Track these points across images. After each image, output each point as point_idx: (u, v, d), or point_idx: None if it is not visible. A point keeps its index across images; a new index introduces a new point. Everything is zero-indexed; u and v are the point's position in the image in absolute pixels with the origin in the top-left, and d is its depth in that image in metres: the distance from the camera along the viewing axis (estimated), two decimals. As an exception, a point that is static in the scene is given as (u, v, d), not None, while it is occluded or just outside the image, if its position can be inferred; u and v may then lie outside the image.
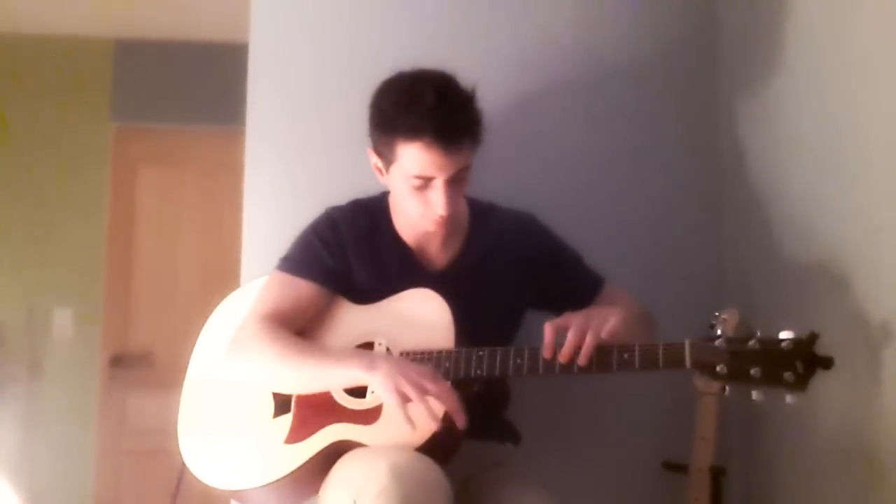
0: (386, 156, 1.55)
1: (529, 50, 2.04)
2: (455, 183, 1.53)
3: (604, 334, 1.40)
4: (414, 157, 1.49)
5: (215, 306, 1.77)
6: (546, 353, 1.42)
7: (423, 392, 1.38)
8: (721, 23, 2.08)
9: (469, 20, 2.05)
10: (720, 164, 2.05)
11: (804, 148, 1.70)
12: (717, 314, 1.66)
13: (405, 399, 1.38)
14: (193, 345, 1.72)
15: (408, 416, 1.39)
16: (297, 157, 2.00)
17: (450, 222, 1.58)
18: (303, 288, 1.61)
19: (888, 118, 1.42)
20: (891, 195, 1.41)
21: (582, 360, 1.39)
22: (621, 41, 2.06)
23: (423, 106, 1.48)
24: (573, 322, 1.42)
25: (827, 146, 1.62)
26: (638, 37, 2.07)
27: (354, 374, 1.46)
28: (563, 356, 1.40)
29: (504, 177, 1.90)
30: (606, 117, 2.05)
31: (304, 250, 1.65)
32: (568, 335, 1.41)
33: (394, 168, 1.55)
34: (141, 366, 3.46)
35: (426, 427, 1.40)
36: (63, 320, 3.48)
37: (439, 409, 1.38)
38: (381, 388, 1.42)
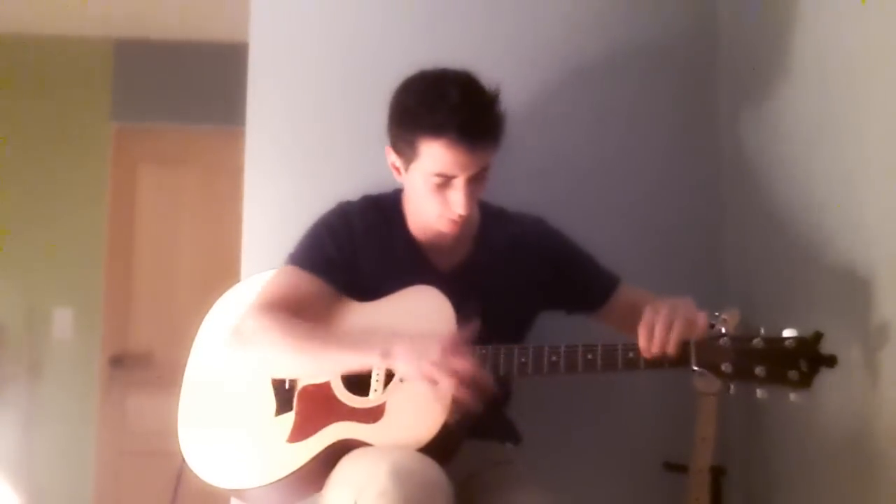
0: (406, 153, 1.53)
1: (529, 49, 2.04)
2: (474, 182, 1.52)
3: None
4: (436, 155, 1.48)
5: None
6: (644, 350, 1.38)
7: (451, 373, 1.35)
8: (722, 21, 2.08)
9: (468, 20, 2.05)
10: (721, 164, 2.05)
11: (805, 147, 1.70)
12: (717, 314, 1.65)
13: (434, 384, 1.37)
14: (192, 343, 1.71)
15: (439, 399, 1.37)
16: (297, 157, 2.00)
17: (464, 223, 1.57)
18: (306, 281, 1.59)
19: (889, 117, 1.43)
20: (891, 195, 1.42)
21: (671, 348, 1.35)
22: (622, 39, 2.06)
23: (448, 103, 1.46)
24: (659, 318, 1.38)
25: (828, 145, 1.62)
26: (638, 34, 2.07)
27: (371, 361, 1.45)
28: (656, 346, 1.36)
29: (503, 176, 1.90)
30: (606, 116, 2.05)
31: (310, 243, 1.63)
32: (656, 330, 1.37)
33: (414, 166, 1.53)
34: (141, 366, 3.46)
35: (434, 422, 1.39)
36: (63, 320, 3.48)
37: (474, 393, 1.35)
38: (405, 374, 1.41)
